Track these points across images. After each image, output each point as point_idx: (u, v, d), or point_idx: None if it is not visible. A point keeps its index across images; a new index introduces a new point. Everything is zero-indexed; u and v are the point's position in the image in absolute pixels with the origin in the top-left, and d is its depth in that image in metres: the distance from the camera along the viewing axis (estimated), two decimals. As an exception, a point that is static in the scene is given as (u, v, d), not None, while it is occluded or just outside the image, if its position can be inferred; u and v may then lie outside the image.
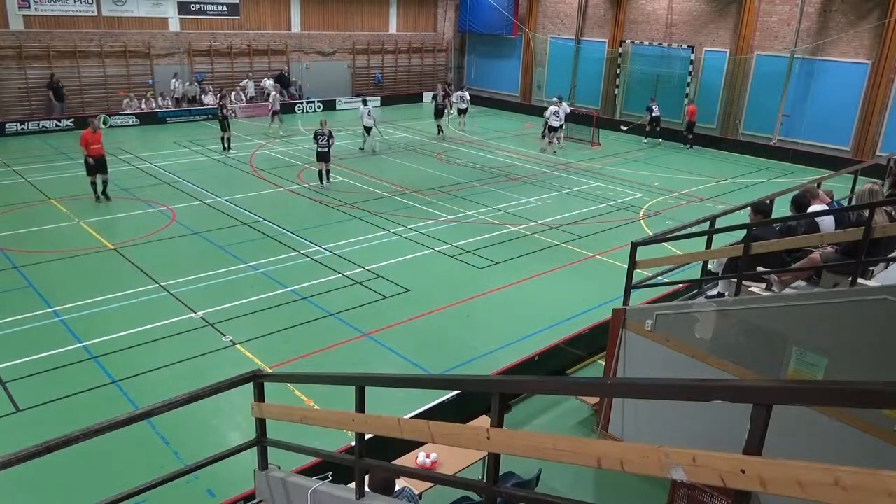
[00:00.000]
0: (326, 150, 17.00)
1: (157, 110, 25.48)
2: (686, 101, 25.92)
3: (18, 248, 12.50)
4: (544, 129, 23.32)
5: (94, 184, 15.41)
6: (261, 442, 4.64)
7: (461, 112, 27.20)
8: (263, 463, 4.71)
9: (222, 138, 21.15)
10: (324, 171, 17.26)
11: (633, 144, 25.16)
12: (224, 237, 13.45)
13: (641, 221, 15.52)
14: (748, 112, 24.92)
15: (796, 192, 7.90)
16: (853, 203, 8.45)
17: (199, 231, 13.76)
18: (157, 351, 9.00)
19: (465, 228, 14.53)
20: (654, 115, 24.91)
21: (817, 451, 5.36)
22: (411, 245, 13.38)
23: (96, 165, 15.29)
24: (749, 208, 7.32)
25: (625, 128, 26.45)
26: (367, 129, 21.58)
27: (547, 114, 23.01)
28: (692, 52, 25.90)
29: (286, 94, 29.16)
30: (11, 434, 7.19)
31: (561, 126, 22.97)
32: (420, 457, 6.03)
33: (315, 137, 17.07)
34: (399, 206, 16.00)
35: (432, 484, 5.46)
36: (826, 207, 7.55)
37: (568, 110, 23.56)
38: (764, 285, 6.68)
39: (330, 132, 17.11)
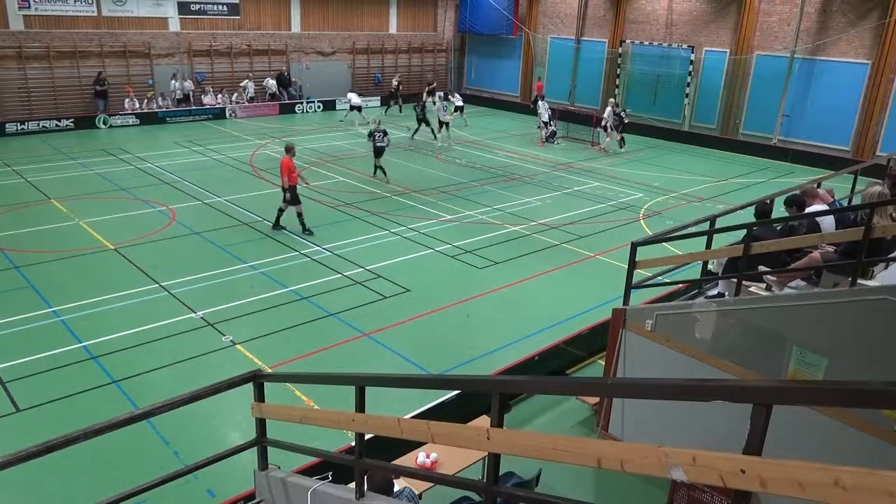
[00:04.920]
0: (383, 146, 18.08)
1: (157, 110, 25.49)
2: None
3: (18, 248, 12.50)
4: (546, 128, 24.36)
5: (282, 212, 13.83)
6: (261, 442, 4.64)
7: (458, 109, 27.26)
8: (263, 463, 4.72)
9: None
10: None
11: (633, 144, 25.14)
12: (224, 237, 13.45)
13: (641, 221, 15.52)
14: (748, 112, 24.93)
15: (788, 193, 7.89)
16: (857, 203, 8.44)
17: (199, 231, 13.76)
18: (157, 351, 8.99)
19: (465, 228, 14.53)
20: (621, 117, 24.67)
21: (817, 451, 5.36)
22: (411, 245, 13.38)
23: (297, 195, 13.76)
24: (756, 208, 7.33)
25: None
26: (445, 124, 23.56)
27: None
28: (692, 52, 25.91)
29: (285, 94, 29.18)
30: (11, 434, 7.19)
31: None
32: (420, 457, 6.02)
33: (371, 135, 18.13)
34: (399, 206, 16.00)
35: (432, 484, 5.46)
36: (826, 207, 7.55)
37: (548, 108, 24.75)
38: (764, 285, 6.69)
39: (384, 130, 18.21)
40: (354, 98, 26.73)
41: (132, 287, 10.92)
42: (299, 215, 13.73)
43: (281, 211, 13.83)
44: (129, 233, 13.46)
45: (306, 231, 13.72)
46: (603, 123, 23.56)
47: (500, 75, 33.90)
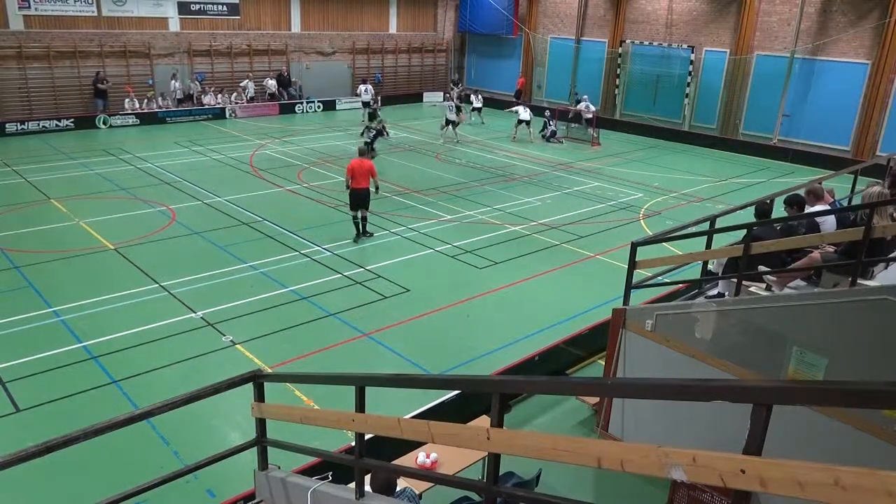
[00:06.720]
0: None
1: (157, 110, 25.49)
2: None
3: (18, 248, 12.50)
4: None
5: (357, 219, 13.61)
6: (261, 442, 4.64)
7: (476, 110, 27.32)
8: (263, 463, 4.72)
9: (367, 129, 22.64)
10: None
11: (633, 144, 25.18)
12: (224, 237, 13.45)
13: (641, 221, 15.52)
14: (748, 112, 24.93)
15: (789, 193, 7.89)
16: (857, 203, 8.44)
17: (199, 231, 13.76)
18: (157, 351, 9.00)
19: (465, 228, 14.53)
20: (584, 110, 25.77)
21: (817, 451, 5.36)
22: (411, 245, 13.38)
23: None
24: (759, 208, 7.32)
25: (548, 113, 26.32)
26: (452, 122, 23.82)
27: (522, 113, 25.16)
28: (692, 52, 25.91)
29: (285, 94, 29.17)
30: (11, 434, 7.19)
31: (529, 121, 24.84)
32: (420, 457, 6.03)
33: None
34: (399, 206, 16.00)
35: (432, 484, 5.45)
36: (827, 207, 7.55)
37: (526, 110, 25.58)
38: (764, 285, 6.69)
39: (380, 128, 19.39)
40: (364, 93, 26.71)
41: (132, 287, 10.93)
42: (364, 219, 13.54)
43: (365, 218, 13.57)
44: (129, 233, 13.46)
45: (365, 234, 13.61)
46: (590, 116, 25.31)
47: (500, 75, 33.88)
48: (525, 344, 9.35)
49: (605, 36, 28.98)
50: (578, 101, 26.91)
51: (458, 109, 26.05)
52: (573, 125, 26.25)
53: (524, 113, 24.69)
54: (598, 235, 14.32)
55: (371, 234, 13.67)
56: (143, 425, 6.94)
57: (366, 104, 26.57)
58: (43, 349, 8.89)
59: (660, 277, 8.35)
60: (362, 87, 27.23)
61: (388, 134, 20.00)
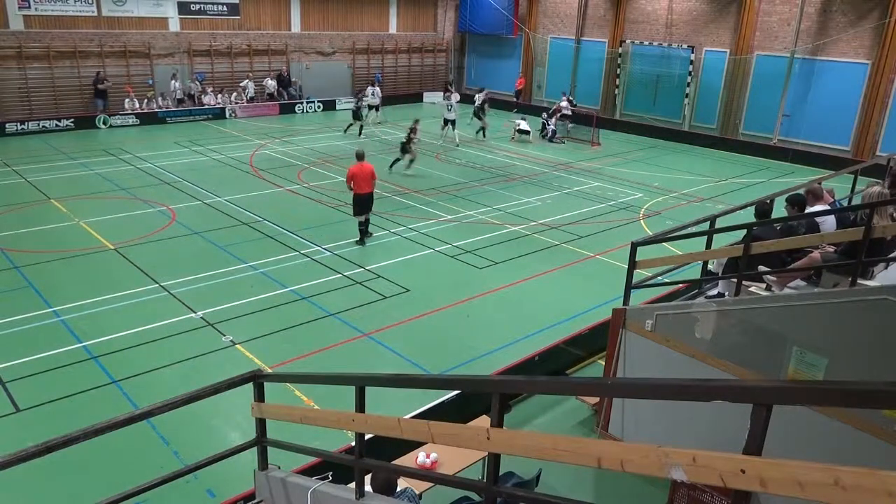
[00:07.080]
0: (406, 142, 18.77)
1: (157, 110, 25.48)
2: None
3: (18, 248, 12.50)
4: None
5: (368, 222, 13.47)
6: (261, 442, 4.65)
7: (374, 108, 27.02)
8: (263, 463, 4.72)
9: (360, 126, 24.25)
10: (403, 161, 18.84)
11: (633, 144, 25.18)
12: (224, 237, 13.45)
13: (641, 221, 15.52)
14: (748, 112, 24.94)
15: (789, 193, 7.89)
16: (857, 203, 8.43)
17: (199, 231, 13.76)
18: (157, 351, 9.00)
19: (465, 228, 14.53)
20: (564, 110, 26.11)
21: (817, 451, 5.36)
22: (411, 245, 13.38)
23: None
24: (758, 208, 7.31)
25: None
26: (451, 122, 23.38)
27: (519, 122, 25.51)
28: (692, 52, 25.92)
29: (285, 94, 29.16)
30: (11, 434, 7.19)
31: (528, 132, 24.92)
32: (420, 457, 6.03)
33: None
34: (399, 206, 16.00)
35: (432, 484, 5.46)
36: (828, 207, 7.55)
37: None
38: (764, 285, 6.69)
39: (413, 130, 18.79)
40: (371, 95, 26.59)
41: (132, 287, 10.92)
42: (366, 221, 13.35)
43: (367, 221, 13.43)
44: (129, 233, 13.46)
45: (367, 236, 13.45)
46: (562, 113, 25.66)
47: (500, 75, 33.86)
48: (525, 344, 9.35)
49: (605, 36, 28.98)
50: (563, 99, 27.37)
51: (479, 114, 25.93)
52: (570, 125, 26.28)
53: (524, 124, 24.96)
54: (598, 235, 14.32)
55: (371, 234, 13.65)
56: (143, 425, 6.94)
57: (373, 107, 26.34)
58: (43, 349, 8.89)
59: (660, 277, 8.35)
60: (370, 90, 26.83)
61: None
